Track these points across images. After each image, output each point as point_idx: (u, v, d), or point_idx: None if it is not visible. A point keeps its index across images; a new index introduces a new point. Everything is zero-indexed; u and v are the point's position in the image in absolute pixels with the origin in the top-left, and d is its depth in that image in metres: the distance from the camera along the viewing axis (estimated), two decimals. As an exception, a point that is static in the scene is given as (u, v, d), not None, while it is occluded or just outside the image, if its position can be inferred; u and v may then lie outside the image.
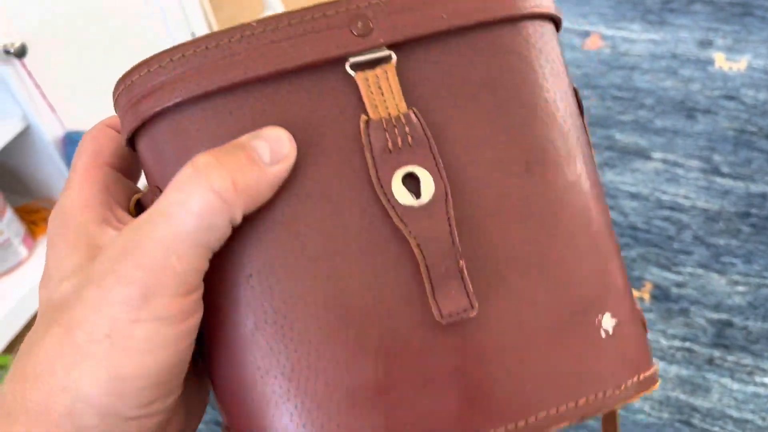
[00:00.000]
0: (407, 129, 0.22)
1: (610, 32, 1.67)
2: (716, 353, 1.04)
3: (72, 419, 0.22)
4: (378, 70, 0.22)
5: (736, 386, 1.00)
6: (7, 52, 0.94)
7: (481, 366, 0.22)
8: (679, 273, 1.15)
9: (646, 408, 0.99)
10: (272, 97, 0.22)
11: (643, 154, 1.36)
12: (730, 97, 1.45)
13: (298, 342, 0.21)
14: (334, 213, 0.22)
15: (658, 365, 0.20)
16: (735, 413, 0.98)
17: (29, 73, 0.98)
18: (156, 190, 0.24)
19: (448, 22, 0.22)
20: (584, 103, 1.49)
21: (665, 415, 0.98)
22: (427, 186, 0.22)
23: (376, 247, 0.22)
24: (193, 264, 0.21)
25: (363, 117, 0.22)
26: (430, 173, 0.22)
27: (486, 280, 0.22)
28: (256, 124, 0.22)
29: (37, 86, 1.00)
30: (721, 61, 1.55)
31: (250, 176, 0.21)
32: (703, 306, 1.10)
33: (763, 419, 0.97)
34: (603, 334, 0.23)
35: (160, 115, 0.22)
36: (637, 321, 0.25)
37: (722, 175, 1.30)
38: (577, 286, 0.23)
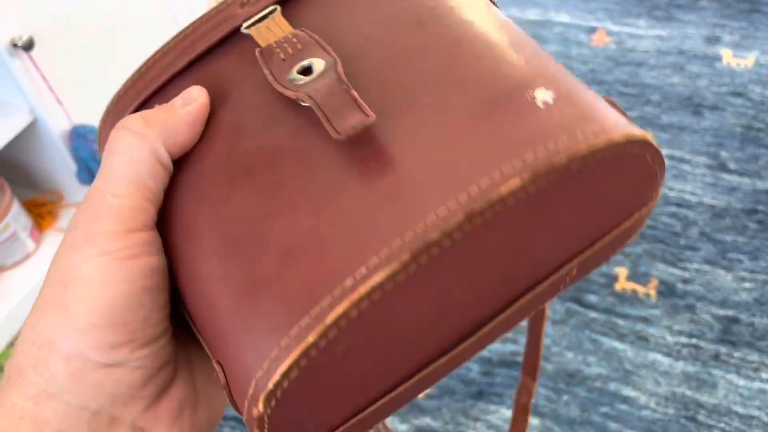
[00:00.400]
0: (294, 40, 0.25)
1: (616, 28, 1.67)
2: (722, 349, 1.04)
3: (39, 371, 0.22)
4: (267, 20, 0.26)
5: (742, 382, 1.00)
6: (14, 46, 0.94)
7: (404, 165, 0.21)
8: (685, 269, 1.15)
9: (652, 404, 0.99)
10: (195, 78, 0.26)
11: (650, 150, 1.36)
12: (738, 94, 1.45)
13: (248, 246, 0.22)
14: (255, 130, 0.24)
15: (651, 134, 0.18)
16: (741, 409, 0.97)
17: (37, 67, 0.98)
18: None
19: None
20: (590, 99, 1.49)
21: (671, 411, 0.98)
22: (318, 65, 0.24)
23: (290, 129, 0.23)
24: (128, 199, 0.23)
25: (257, 49, 0.25)
26: (321, 58, 0.24)
27: (393, 103, 0.22)
28: None
29: (45, 80, 1.00)
30: (728, 57, 1.54)
31: (160, 114, 0.24)
32: (710, 302, 1.10)
33: (769, 415, 0.96)
34: (542, 105, 0.21)
35: None
36: (590, 92, 0.22)
37: (729, 171, 1.30)
38: (495, 80, 0.22)
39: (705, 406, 0.98)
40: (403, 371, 0.22)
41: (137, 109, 0.27)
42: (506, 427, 0.99)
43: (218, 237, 0.22)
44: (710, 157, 1.33)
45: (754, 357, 1.03)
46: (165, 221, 0.24)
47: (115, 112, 0.27)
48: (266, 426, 0.20)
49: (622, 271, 1.16)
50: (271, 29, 0.26)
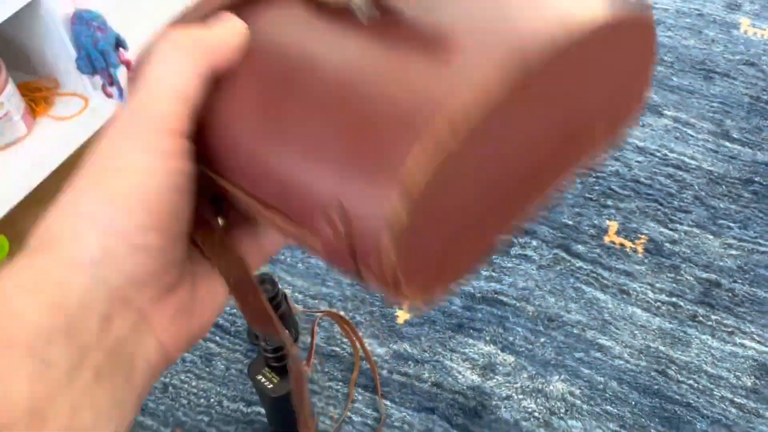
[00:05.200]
0: None
1: (638, -17, 1.63)
2: (700, 311, 1.06)
3: (77, 241, 0.25)
4: None
5: (715, 344, 1.03)
6: None
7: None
8: (675, 230, 1.16)
9: (625, 355, 1.01)
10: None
11: (656, 110, 1.35)
12: (751, 64, 1.43)
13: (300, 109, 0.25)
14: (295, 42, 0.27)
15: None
16: (711, 369, 1.00)
17: (43, -58, 0.94)
18: None
19: None
20: (603, 52, 1.46)
21: (643, 363, 1.00)
22: None
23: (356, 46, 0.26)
24: (174, 106, 0.26)
25: None
26: None
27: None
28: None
29: (51, -43, 0.95)
30: (746, 26, 1.52)
31: (204, 35, 0.28)
32: (694, 264, 1.12)
33: (737, 378, 0.99)
34: None
35: None
36: None
37: (731, 140, 1.30)
38: None
39: (676, 362, 1.01)
40: (503, 195, 0.25)
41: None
42: (482, 361, 1.01)
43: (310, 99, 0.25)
44: (715, 124, 1.32)
45: (731, 321, 1.05)
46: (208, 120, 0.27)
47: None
48: (403, 234, 0.22)
49: (613, 225, 1.16)
50: None
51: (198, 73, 0.26)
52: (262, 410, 0.95)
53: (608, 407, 0.96)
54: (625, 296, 1.08)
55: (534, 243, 1.14)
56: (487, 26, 0.24)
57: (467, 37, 0.24)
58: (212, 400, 0.97)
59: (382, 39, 0.25)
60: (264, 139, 0.26)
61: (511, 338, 1.03)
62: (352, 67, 0.25)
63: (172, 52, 0.26)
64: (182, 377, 0.99)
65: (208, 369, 1.00)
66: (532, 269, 1.11)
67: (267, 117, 0.26)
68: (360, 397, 0.98)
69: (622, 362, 1.00)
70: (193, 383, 0.99)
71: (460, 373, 1.00)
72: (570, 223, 1.17)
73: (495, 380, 0.99)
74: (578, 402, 0.97)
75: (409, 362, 1.01)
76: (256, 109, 0.26)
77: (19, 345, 0.22)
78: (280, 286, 0.99)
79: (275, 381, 0.83)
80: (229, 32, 0.27)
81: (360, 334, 1.03)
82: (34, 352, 0.22)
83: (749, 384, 0.98)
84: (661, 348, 1.02)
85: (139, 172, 0.25)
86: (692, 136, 1.30)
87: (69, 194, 0.25)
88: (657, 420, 0.95)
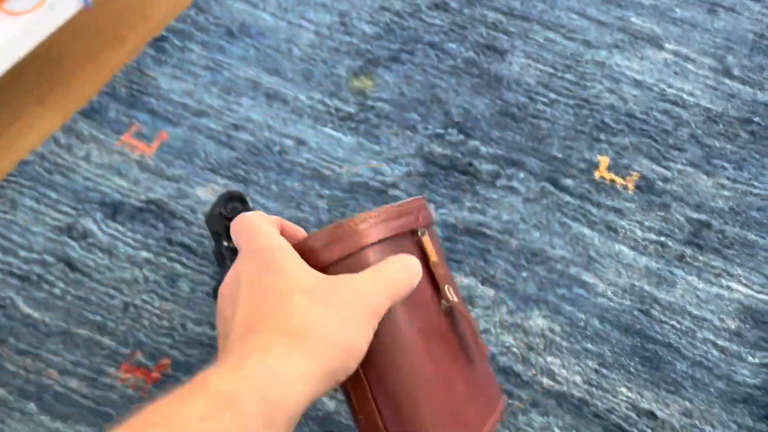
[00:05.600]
0: (442, 266, 0.51)
1: None
2: (688, 251, 1.02)
3: (323, 359, 0.39)
4: (425, 236, 0.51)
5: (701, 285, 0.99)
6: None
7: (479, 381, 0.54)
8: (668, 168, 1.11)
9: (609, 293, 0.97)
10: (393, 245, 0.48)
11: (656, 43, 1.28)
12: (758, -1, 1.36)
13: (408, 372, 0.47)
14: (421, 306, 0.49)
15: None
16: (695, 311, 0.97)
17: None
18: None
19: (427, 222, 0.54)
20: (605, -21, 1.38)
21: (626, 302, 0.97)
22: (456, 293, 0.53)
23: (440, 323, 0.50)
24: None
25: (431, 259, 0.50)
26: (453, 288, 0.52)
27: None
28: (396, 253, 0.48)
29: None
30: (755, -41, 1.44)
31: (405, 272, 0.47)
32: (685, 204, 1.07)
33: (721, 320, 0.96)
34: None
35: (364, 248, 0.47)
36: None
37: (732, 77, 1.24)
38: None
39: (660, 302, 0.97)
40: None
41: (374, 243, 0.47)
42: (461, 293, 0.96)
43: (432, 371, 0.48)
44: (716, 60, 1.26)
45: (718, 263, 1.01)
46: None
47: (338, 236, 0.46)
48: None
49: (604, 160, 1.11)
50: (429, 246, 0.50)
51: (407, 293, 0.44)
52: (228, 335, 0.90)
53: (588, 345, 0.93)
54: (612, 233, 1.03)
55: (521, 175, 1.08)
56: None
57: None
58: (175, 322, 0.92)
59: (449, 333, 0.51)
60: (389, 383, 0.46)
61: (492, 271, 0.99)
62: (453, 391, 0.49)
63: (409, 273, 0.45)
64: (144, 297, 0.93)
65: (172, 290, 0.94)
66: (518, 202, 1.06)
67: (390, 369, 0.46)
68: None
69: (605, 300, 0.97)
70: (156, 304, 0.93)
71: (437, 304, 0.96)
72: (560, 155, 1.11)
73: (474, 313, 0.95)
74: (557, 339, 0.93)
75: (385, 291, 0.96)
76: (390, 353, 0.46)
77: (282, 416, 0.35)
78: (251, 205, 0.93)
79: (242, 303, 0.78)
80: (418, 274, 0.46)
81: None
82: (285, 427, 0.36)
83: (733, 327, 0.96)
84: (646, 287, 0.99)
85: (359, 335, 0.40)
86: (692, 71, 1.24)
87: (314, 322, 0.39)
88: (637, 359, 0.92)
